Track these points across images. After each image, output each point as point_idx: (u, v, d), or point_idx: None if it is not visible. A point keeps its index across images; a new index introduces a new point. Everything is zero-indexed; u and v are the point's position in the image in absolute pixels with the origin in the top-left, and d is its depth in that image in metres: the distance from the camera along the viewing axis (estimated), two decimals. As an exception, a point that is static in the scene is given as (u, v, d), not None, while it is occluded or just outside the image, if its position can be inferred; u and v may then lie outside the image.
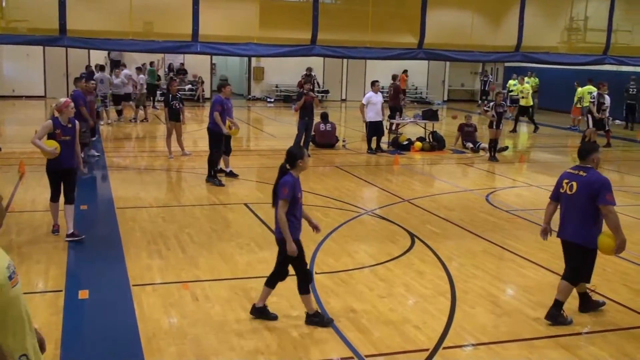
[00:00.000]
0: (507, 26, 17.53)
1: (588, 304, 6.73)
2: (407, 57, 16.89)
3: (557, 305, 6.39)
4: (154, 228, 9.24)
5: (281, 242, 6.13)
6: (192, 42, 14.61)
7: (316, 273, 7.57)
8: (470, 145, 17.60)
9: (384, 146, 17.18)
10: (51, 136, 8.16)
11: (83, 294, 6.77)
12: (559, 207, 6.77)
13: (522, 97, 23.02)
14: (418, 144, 17.24)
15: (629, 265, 8.32)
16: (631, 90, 24.08)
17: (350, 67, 32.42)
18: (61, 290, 6.76)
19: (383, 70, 31.76)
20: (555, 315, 6.37)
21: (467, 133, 17.87)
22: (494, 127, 16.07)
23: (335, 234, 9.25)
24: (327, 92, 31.90)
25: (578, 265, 6.43)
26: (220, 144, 12.32)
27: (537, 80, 27.35)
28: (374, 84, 16.82)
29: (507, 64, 31.87)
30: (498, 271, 7.99)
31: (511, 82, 25.77)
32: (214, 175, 12.30)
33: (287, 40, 15.69)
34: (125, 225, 9.30)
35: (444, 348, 5.78)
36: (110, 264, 7.74)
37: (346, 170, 14.24)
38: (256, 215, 10.10)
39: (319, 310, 6.31)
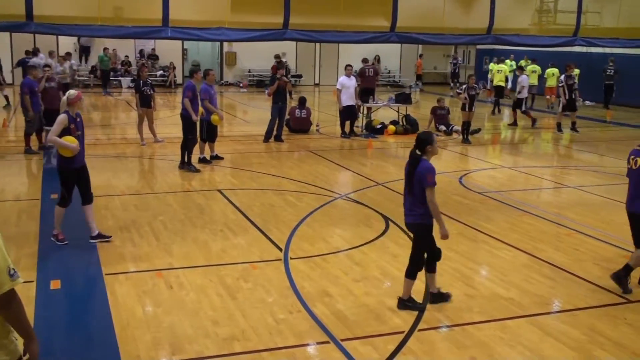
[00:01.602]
0: (478, 9, 17.60)
1: None
2: (379, 41, 16.89)
3: (626, 268, 6.78)
4: (127, 216, 9.15)
5: (420, 227, 6.09)
6: (162, 27, 14.46)
7: (291, 258, 7.57)
8: (443, 128, 17.67)
9: (357, 130, 17.18)
10: (66, 131, 7.51)
11: (55, 284, 6.68)
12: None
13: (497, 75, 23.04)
14: (392, 128, 17.27)
15: (600, 245, 8.44)
16: (609, 71, 24.38)
17: (323, 51, 32.32)
18: (32, 281, 6.66)
19: (356, 54, 31.71)
20: (621, 277, 6.76)
21: (440, 116, 17.94)
22: (467, 109, 16.15)
23: (310, 218, 9.24)
24: (300, 76, 31.76)
25: None
26: (193, 130, 12.22)
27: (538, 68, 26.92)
28: (346, 68, 16.76)
29: (478, 47, 31.99)
30: (472, 253, 8.05)
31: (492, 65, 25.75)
32: (188, 162, 12.21)
33: (259, 24, 15.58)
34: (97, 213, 9.15)
35: (419, 330, 5.82)
36: (82, 253, 7.64)
37: (320, 155, 14.22)
38: (230, 202, 10.05)
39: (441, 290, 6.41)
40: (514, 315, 6.19)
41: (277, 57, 21.91)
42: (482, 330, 5.88)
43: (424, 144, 6.06)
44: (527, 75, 21.30)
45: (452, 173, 12.64)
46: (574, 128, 18.64)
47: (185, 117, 12.19)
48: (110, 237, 8.04)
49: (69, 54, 22.46)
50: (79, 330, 5.78)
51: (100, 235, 7.98)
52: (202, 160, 12.77)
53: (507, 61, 25.44)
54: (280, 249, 7.88)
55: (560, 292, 6.82)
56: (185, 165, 12.18)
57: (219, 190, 10.76)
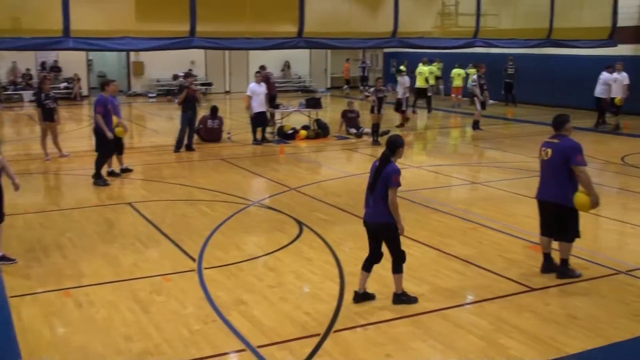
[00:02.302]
0: (383, 13, 17.97)
1: (552, 266, 7.35)
2: (287, 46, 16.95)
3: (565, 263, 7.22)
4: (32, 235, 8.81)
5: (384, 226, 6.32)
6: (63, 37, 13.98)
7: (205, 268, 7.51)
8: (353, 130, 17.95)
9: (269, 136, 17.20)
10: None
11: (-45, 311, 6.36)
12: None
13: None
14: (303, 132, 17.39)
15: (504, 237, 8.80)
16: (509, 69, 25.48)
17: (233, 58, 32.13)
18: None
19: (266, 61, 31.71)
20: (565, 271, 7.19)
21: (350, 119, 18.22)
22: (376, 111, 16.47)
23: (224, 227, 9.19)
24: (210, 84, 31.47)
25: (567, 224, 7.10)
26: (106, 144, 11.88)
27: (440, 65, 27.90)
28: (256, 74, 16.76)
29: (385, 50, 32.67)
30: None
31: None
32: (99, 175, 11.85)
33: (165, 32, 15.33)
34: (0, 234, 8.80)
35: (335, 331, 5.90)
36: (-16, 277, 7.30)
37: (232, 163, 14.16)
38: (141, 214, 9.85)
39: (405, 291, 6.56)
40: (425, 311, 6.36)
41: (188, 71, 21.60)
42: (396, 327, 6.02)
43: (395, 146, 6.31)
44: (410, 76, 21.84)
45: (364, 175, 12.81)
46: (477, 126, 19.35)
47: (97, 132, 11.86)
48: (15, 259, 7.69)
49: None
50: (-18, 357, 5.53)
51: (4, 258, 7.64)
52: (111, 174, 12.45)
53: (435, 64, 26.63)
54: (194, 260, 7.80)
55: (467, 284, 7.07)
56: (96, 178, 11.83)
57: (129, 204, 10.52)
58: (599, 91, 19.18)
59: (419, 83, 23.61)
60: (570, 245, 7.23)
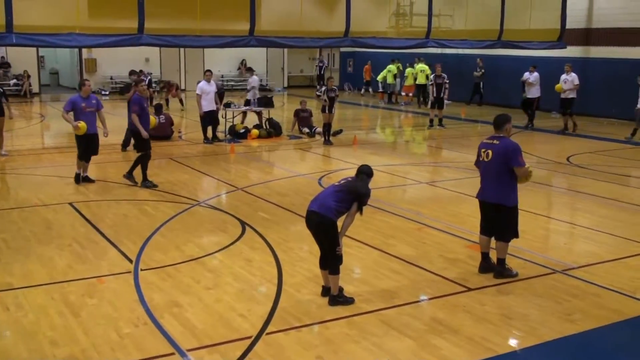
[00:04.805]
0: (336, 12, 17.97)
1: (490, 266, 7.44)
2: (239, 45, 16.83)
3: (500, 262, 7.29)
4: (-36, 236, 8.54)
5: (327, 224, 6.28)
6: (6, 33, 13.63)
7: (142, 270, 7.36)
8: (306, 130, 17.90)
9: (220, 135, 17.04)
10: None
11: None
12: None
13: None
14: (255, 132, 17.27)
15: (446, 237, 8.85)
16: (477, 70, 25.79)
17: (188, 56, 31.78)
18: None
19: (222, 59, 31.56)
20: (502, 271, 7.26)
21: (302, 118, 18.16)
22: (327, 111, 16.44)
23: (165, 228, 9.04)
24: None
25: (506, 224, 7.22)
26: (146, 145, 11.46)
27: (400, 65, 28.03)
28: (205, 73, 16.58)
29: (342, 49, 32.74)
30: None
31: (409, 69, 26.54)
32: (144, 177, 11.55)
33: (113, 29, 15.06)
34: None
35: (268, 333, 5.83)
36: None
37: (181, 162, 13.97)
38: (81, 215, 9.63)
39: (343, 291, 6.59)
40: (361, 312, 6.33)
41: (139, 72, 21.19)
42: (330, 328, 5.98)
43: (370, 175, 6.57)
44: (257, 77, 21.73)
45: (312, 174, 12.82)
46: (440, 124, 19.77)
47: (135, 133, 11.55)
48: None
49: None
50: None
51: None
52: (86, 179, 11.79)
53: (395, 64, 27.26)
54: (131, 261, 7.64)
55: (405, 285, 7.06)
56: (143, 182, 11.50)
57: (70, 204, 10.28)
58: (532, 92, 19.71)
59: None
60: (507, 245, 7.30)
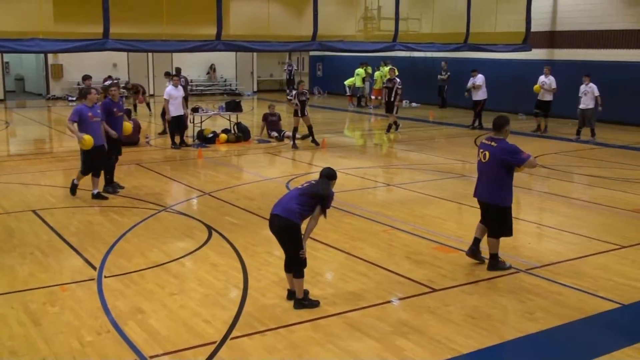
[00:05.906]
0: (304, 16, 18.01)
1: (477, 252, 7.75)
2: (206, 49, 16.76)
3: (494, 257, 7.54)
4: None
5: (290, 226, 6.29)
6: (-33, 39, 13.42)
7: (105, 277, 7.28)
8: (275, 134, 17.87)
9: (188, 140, 16.93)
10: None
11: None
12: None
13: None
14: (223, 136, 17.19)
15: (412, 239, 8.89)
16: (442, 73, 26.02)
17: (156, 61, 31.54)
18: None
19: (190, 63, 31.33)
20: (495, 264, 7.51)
21: (271, 122, 18.13)
22: (299, 114, 16.45)
23: (130, 234, 8.95)
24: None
25: (500, 223, 7.46)
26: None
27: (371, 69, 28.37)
28: (173, 77, 16.47)
29: (311, 53, 32.77)
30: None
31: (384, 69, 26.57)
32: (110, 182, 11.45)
33: (78, 34, 14.91)
34: None
35: (232, 338, 5.79)
36: None
37: (148, 168, 13.85)
38: (44, 222, 9.48)
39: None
40: (326, 314, 6.33)
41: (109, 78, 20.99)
42: (295, 332, 5.96)
43: (332, 178, 6.56)
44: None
45: (280, 178, 12.81)
46: (394, 128, 19.53)
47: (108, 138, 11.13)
48: None
49: None
50: None
51: None
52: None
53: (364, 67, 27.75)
54: (95, 268, 7.55)
55: (371, 287, 7.07)
56: (107, 187, 11.32)
57: (33, 211, 10.12)
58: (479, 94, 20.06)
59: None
60: (498, 241, 7.56)
